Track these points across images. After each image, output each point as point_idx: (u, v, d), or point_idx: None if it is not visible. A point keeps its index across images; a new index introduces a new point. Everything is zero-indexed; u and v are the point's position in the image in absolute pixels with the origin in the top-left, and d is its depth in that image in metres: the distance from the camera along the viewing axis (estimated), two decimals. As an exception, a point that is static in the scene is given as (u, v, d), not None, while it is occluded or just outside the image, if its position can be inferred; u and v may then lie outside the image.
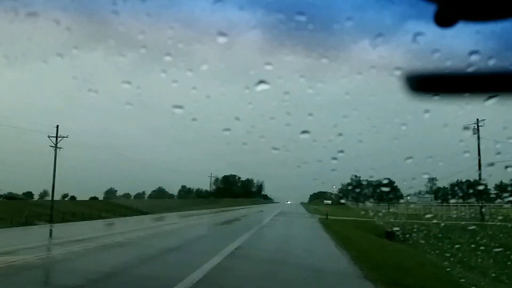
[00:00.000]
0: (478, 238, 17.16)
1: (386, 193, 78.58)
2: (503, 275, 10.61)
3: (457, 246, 15.95)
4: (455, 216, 36.64)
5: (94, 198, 76.86)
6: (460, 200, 55.92)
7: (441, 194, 72.71)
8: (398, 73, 2.21)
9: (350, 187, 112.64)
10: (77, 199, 75.10)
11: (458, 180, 55.25)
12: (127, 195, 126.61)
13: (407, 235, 25.56)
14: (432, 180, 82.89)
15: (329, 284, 8.36)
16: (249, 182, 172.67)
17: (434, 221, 32.46)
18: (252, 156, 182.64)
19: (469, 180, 49.99)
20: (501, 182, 70.76)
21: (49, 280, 9.08)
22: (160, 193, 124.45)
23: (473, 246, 15.16)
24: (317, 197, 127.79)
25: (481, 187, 33.49)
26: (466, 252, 14.76)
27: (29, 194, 79.48)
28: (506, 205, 41.92)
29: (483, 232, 19.04)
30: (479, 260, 13.70)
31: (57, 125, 38.71)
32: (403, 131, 7.53)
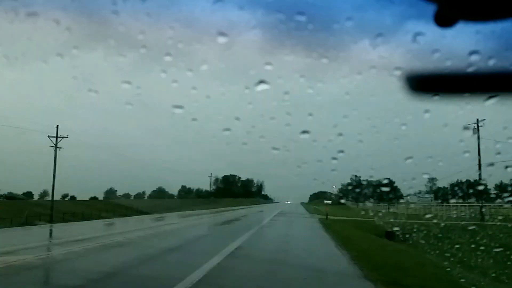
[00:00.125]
0: (478, 238, 17.16)
1: (386, 193, 78.63)
2: (503, 275, 10.61)
3: (457, 246, 15.96)
4: (455, 216, 36.67)
5: (94, 198, 76.89)
6: (460, 200, 55.93)
7: (441, 194, 72.73)
8: (398, 73, 2.22)
9: (350, 187, 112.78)
10: (77, 199, 75.15)
11: (458, 180, 55.32)
12: (127, 195, 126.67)
13: (407, 235, 25.57)
14: (432, 180, 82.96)
15: (329, 284, 8.35)
16: (249, 182, 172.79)
17: (434, 221, 32.47)
18: (252, 156, 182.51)
19: (469, 180, 50.02)
20: (501, 182, 70.88)
21: (49, 280, 9.08)
22: (160, 193, 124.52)
23: (473, 246, 15.15)
24: (317, 197, 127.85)
25: (481, 187, 33.52)
26: (466, 252, 14.78)
27: (29, 194, 79.55)
28: (506, 205, 41.95)
29: (483, 232, 19.05)
30: (479, 260, 13.71)
31: (57, 125, 38.77)
32: (403, 131, 7.53)
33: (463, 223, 25.73)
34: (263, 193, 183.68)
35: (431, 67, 1.39)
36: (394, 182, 57.15)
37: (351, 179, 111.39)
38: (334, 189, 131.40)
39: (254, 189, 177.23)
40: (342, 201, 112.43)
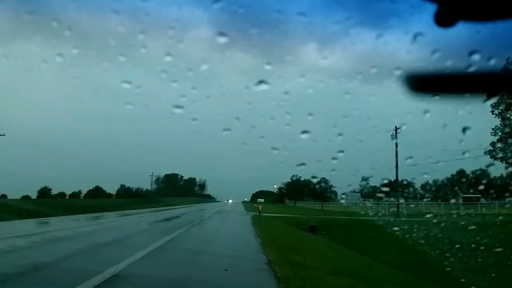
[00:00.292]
0: (378, 231, 20.04)
1: (321, 191, 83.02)
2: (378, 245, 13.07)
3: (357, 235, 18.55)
4: (381, 213, 39.90)
5: (26, 197, 72.90)
6: (392, 198, 60.72)
7: (368, 192, 78.11)
8: (398, 73, 2.21)
9: (290, 187, 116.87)
10: (8, 197, 70.89)
11: (383, 179, 59.84)
12: (61, 194, 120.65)
13: (328, 229, 28.36)
14: (366, 179, 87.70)
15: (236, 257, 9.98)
16: (191, 181, 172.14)
17: (358, 216, 35.91)
18: (195, 155, 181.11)
19: (390, 180, 54.38)
20: (427, 182, 78.29)
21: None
22: (97, 193, 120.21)
23: (370, 235, 17.89)
24: (260, 196, 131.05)
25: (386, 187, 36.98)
26: (361, 239, 17.34)
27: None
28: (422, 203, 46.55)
29: (387, 226, 21.94)
30: (369, 245, 16.27)
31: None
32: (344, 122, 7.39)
33: (375, 218, 28.93)
34: (205, 192, 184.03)
35: (431, 67, 1.37)
36: (328, 181, 60.94)
37: (290, 178, 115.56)
38: (275, 188, 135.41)
39: (196, 188, 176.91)
40: (286, 199, 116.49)
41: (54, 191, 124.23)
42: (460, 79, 1.33)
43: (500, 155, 35.72)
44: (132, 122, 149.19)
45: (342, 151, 6.69)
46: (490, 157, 35.76)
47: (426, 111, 4.36)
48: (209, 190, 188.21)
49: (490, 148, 36.04)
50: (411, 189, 57.01)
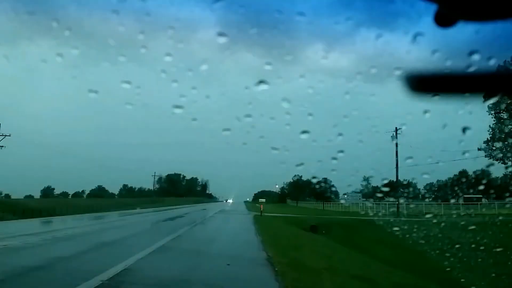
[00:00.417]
0: (378, 230, 20.53)
1: (322, 192, 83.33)
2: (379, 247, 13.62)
3: (356, 235, 19.07)
4: (375, 212, 40.36)
5: (29, 197, 73.75)
6: (392, 198, 61.03)
7: (369, 192, 78.45)
8: (398, 73, 2.18)
9: (292, 187, 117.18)
10: (12, 197, 71.77)
11: (383, 179, 60.18)
12: (65, 194, 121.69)
13: (329, 228, 28.87)
14: (367, 179, 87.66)
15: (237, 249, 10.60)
16: (193, 181, 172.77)
17: (358, 216, 36.41)
18: (196, 155, 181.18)
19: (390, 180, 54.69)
20: (432, 183, 78.68)
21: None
22: (100, 192, 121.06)
23: (369, 234, 18.41)
24: (261, 196, 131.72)
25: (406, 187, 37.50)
26: (361, 239, 17.85)
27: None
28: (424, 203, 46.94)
29: (387, 226, 22.42)
30: (367, 242, 16.77)
31: (-1, 123, 38.13)
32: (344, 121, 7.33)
33: (376, 218, 29.35)
34: (207, 191, 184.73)
35: (431, 67, 1.35)
36: (330, 182, 61.34)
37: (292, 179, 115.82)
38: (277, 188, 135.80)
39: (198, 188, 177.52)
40: (288, 199, 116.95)
41: (57, 191, 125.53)
42: (460, 79, 1.33)
43: (500, 155, 36.06)
44: (133, 122, 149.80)
45: (342, 151, 6.66)
46: (485, 156, 36.12)
47: (426, 111, 4.28)
48: (211, 190, 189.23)
49: (485, 146, 36.41)
50: (411, 189, 57.35)
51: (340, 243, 18.39)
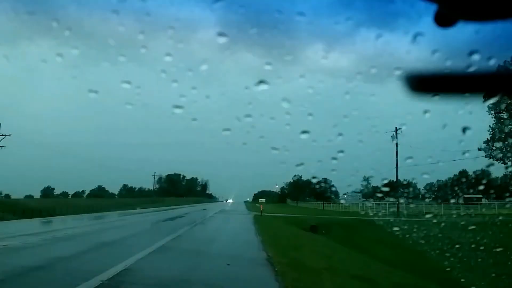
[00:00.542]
0: (378, 230, 20.55)
1: (322, 192, 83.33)
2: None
3: (356, 235, 19.10)
4: (374, 212, 40.39)
5: (29, 197, 73.79)
6: (392, 198, 61.07)
7: (369, 192, 78.45)
8: (398, 73, 2.18)
9: (292, 187, 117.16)
10: (12, 197, 71.82)
11: (383, 179, 60.20)
12: (65, 194, 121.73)
13: (329, 228, 28.89)
14: (367, 179, 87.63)
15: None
16: (193, 181, 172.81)
17: (358, 216, 36.42)
18: (196, 155, 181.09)
19: (390, 180, 54.71)
20: (432, 183, 78.65)
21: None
22: (100, 192, 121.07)
23: (369, 234, 18.42)
24: (261, 196, 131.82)
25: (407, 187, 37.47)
26: (361, 239, 17.86)
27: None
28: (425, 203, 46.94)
29: (387, 226, 22.46)
30: (367, 243, 16.78)
31: (-1, 123, 38.17)
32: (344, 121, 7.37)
33: (375, 218, 29.37)
34: (207, 192, 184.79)
35: (431, 67, 1.35)
36: (329, 181, 61.32)
37: (292, 179, 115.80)
38: (277, 188, 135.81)
39: (198, 188, 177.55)
40: (288, 199, 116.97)
41: (57, 191, 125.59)
42: (460, 79, 1.33)
43: (500, 155, 36.06)
44: (133, 122, 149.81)
45: (342, 151, 6.65)
46: (485, 156, 36.13)
47: (426, 111, 4.26)
48: (211, 190, 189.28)
49: (485, 146, 36.41)
50: (411, 189, 57.37)
51: (340, 243, 18.39)
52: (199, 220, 29.44)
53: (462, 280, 8.39)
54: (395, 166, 43.25)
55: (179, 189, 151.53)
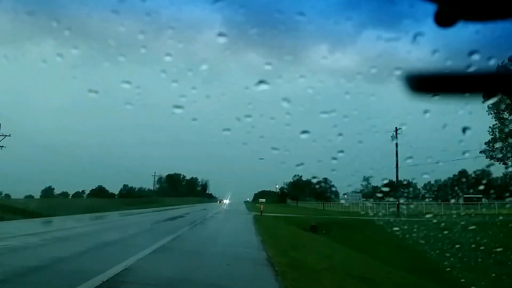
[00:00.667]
0: (378, 230, 20.61)
1: (322, 191, 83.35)
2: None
3: (356, 235, 19.13)
4: (375, 212, 40.46)
5: (29, 197, 73.84)
6: (392, 198, 61.02)
7: (369, 192, 78.54)
8: (398, 73, 2.18)
9: (292, 187, 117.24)
10: (12, 197, 71.87)
11: (383, 179, 60.22)
12: (65, 194, 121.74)
13: (329, 228, 28.91)
14: (367, 179, 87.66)
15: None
16: (193, 181, 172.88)
17: (358, 216, 36.44)
18: (196, 155, 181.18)
19: (390, 180, 54.69)
20: (429, 182, 78.61)
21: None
22: (100, 192, 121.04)
23: (369, 234, 18.46)
24: (261, 196, 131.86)
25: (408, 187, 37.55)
26: (361, 239, 17.88)
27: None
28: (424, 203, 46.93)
29: (387, 226, 22.50)
30: (367, 242, 16.80)
31: (-1, 123, 38.24)
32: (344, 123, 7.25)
33: (375, 218, 29.42)
34: (208, 191, 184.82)
35: (431, 67, 1.35)
36: (329, 181, 61.26)
37: (292, 178, 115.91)
38: (277, 188, 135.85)
39: (198, 188, 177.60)
40: (288, 199, 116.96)
41: (57, 191, 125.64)
42: (460, 79, 1.33)
43: (500, 155, 36.08)
44: (133, 122, 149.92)
45: (342, 151, 6.69)
46: (486, 157, 36.16)
47: (426, 111, 4.30)
48: (211, 190, 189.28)
49: (486, 147, 36.42)
50: (411, 189, 57.32)
51: (340, 243, 18.41)
52: (199, 220, 29.44)
53: (462, 280, 8.42)
54: (395, 166, 43.34)
55: (179, 189, 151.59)
